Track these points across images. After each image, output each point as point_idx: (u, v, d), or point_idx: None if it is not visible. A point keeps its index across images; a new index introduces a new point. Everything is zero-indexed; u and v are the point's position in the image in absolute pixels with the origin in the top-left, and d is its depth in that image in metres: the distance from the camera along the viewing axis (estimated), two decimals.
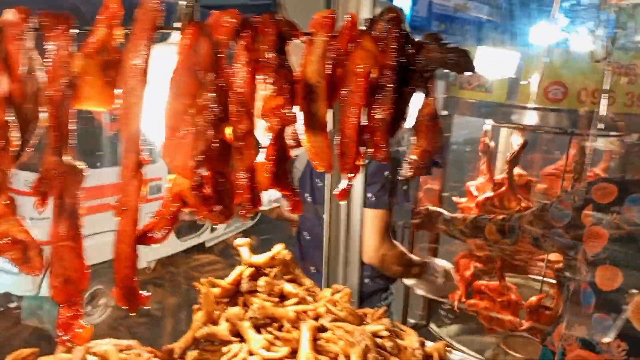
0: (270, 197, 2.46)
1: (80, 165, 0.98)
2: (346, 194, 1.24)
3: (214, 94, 1.01)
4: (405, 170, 1.30)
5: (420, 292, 2.40)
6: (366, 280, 2.23)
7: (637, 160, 2.39)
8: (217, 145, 1.03)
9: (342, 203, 2.02)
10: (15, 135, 0.91)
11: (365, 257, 2.10)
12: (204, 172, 1.02)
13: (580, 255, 1.86)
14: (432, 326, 3.00)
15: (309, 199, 2.25)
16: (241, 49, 1.05)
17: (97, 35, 0.95)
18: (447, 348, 1.61)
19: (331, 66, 1.15)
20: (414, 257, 2.25)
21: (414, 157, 1.30)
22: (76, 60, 0.94)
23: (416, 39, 1.22)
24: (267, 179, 1.09)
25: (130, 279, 1.00)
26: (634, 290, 1.74)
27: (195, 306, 1.51)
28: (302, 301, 1.61)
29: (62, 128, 0.95)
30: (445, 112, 2.98)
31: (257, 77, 1.07)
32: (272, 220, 2.58)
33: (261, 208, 2.53)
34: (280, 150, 1.10)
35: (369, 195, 2.04)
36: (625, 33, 2.22)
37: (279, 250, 1.69)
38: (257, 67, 1.07)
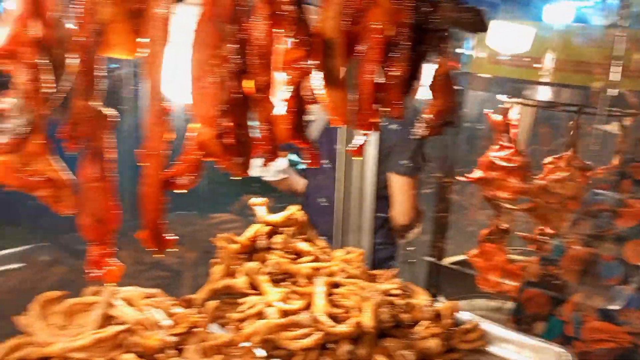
0: (279, 167, 2.51)
1: (108, 110, 1.03)
2: (360, 150, 1.28)
3: (235, 45, 1.05)
4: (421, 129, 1.33)
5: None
6: (377, 247, 2.29)
7: None
8: (238, 96, 1.07)
9: (356, 168, 2.06)
10: (48, 77, 0.95)
11: (400, 221, 2.30)
12: (226, 122, 1.06)
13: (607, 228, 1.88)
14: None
15: (328, 165, 2.30)
16: (261, 2, 1.09)
17: None
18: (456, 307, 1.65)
19: (348, 22, 1.18)
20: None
21: (429, 115, 1.33)
22: (104, 7, 0.98)
23: None
24: (287, 130, 1.13)
25: (157, 222, 1.05)
26: None
27: (214, 260, 1.57)
28: (316, 259, 1.66)
29: (90, 74, 1.00)
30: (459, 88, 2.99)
31: (275, 30, 1.11)
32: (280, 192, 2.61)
33: (270, 179, 2.59)
34: (299, 103, 1.14)
35: (402, 162, 2.15)
36: None
37: (294, 210, 1.74)
38: (276, 20, 1.10)
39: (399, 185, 2.25)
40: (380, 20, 1.18)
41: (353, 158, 2.04)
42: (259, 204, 1.72)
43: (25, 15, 0.92)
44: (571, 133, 2.67)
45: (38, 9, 0.93)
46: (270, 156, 1.16)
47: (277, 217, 1.70)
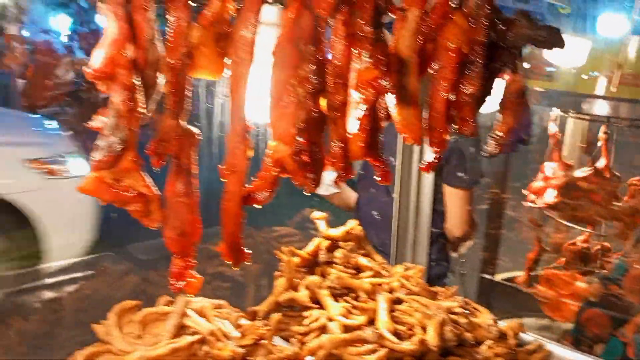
0: (330, 183, 2.52)
1: (193, 128, 1.07)
2: (433, 167, 1.28)
3: (314, 66, 1.07)
4: (491, 147, 1.32)
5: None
6: (431, 263, 2.26)
7: None
8: (316, 114, 1.09)
9: (413, 182, 2.05)
10: (141, 97, 1.00)
11: (457, 233, 2.29)
12: (303, 140, 1.08)
13: None
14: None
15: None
16: (339, 23, 1.11)
17: (212, 8, 1.03)
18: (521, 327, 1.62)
19: (422, 41, 1.19)
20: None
21: (500, 133, 1.31)
22: (194, 31, 1.02)
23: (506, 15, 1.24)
24: (360, 148, 1.14)
25: (236, 236, 1.08)
26: None
27: (277, 273, 1.59)
28: (376, 274, 1.66)
29: (179, 94, 1.04)
30: None
31: (353, 50, 1.13)
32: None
33: (322, 192, 2.61)
34: (373, 121, 1.15)
35: (459, 174, 2.14)
36: None
37: (354, 225, 1.75)
38: (353, 40, 1.12)
39: (454, 198, 2.23)
40: (455, 39, 1.18)
41: (425, 174, 2.04)
42: (320, 218, 1.74)
43: (121, 39, 0.97)
44: None
45: (133, 33, 0.98)
46: (344, 174, 1.17)
47: (338, 232, 1.71)
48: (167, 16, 1.01)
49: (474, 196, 2.31)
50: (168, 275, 1.07)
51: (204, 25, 1.03)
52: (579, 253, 2.66)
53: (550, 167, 2.67)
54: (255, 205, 1.11)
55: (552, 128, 2.91)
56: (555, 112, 3.15)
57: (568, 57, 3.05)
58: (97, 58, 0.97)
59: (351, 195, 2.58)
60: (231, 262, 1.10)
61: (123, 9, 0.96)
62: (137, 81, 0.99)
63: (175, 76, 1.02)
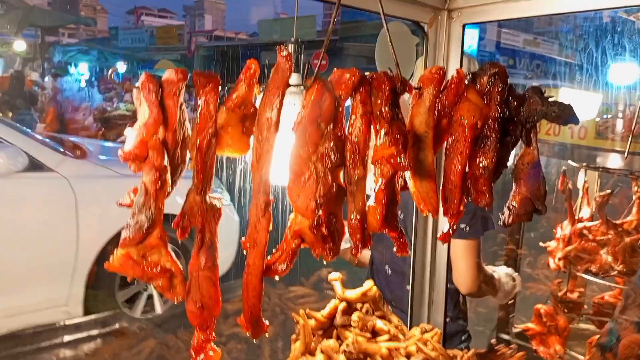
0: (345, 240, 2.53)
1: (218, 202, 1.11)
2: (449, 237, 1.30)
3: (333, 143, 1.12)
4: (505, 217, 1.34)
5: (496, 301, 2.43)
6: (447, 321, 2.24)
7: None
8: (335, 188, 1.13)
9: (428, 241, 2.07)
10: (168, 177, 1.05)
11: (462, 289, 2.18)
12: (322, 213, 1.12)
13: None
14: None
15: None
16: (358, 103, 1.16)
17: (238, 91, 1.09)
18: None
19: (438, 117, 1.24)
20: (488, 270, 2.27)
21: (514, 203, 1.34)
22: (221, 113, 1.08)
23: (519, 92, 1.29)
24: (378, 221, 1.17)
25: (256, 308, 1.10)
26: None
27: (293, 336, 1.60)
28: (393, 338, 1.65)
29: (206, 171, 1.09)
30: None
31: (370, 127, 1.17)
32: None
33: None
34: (390, 195, 1.18)
35: (462, 225, 2.09)
36: None
37: (370, 286, 1.76)
38: (371, 118, 1.17)
39: (457, 249, 2.14)
40: (469, 115, 1.23)
41: (443, 244, 2.03)
42: (336, 280, 1.75)
43: (153, 123, 1.02)
44: None
45: (164, 117, 1.04)
46: (361, 245, 1.20)
47: (354, 294, 1.72)
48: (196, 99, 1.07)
49: (480, 248, 2.20)
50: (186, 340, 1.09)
51: (230, 107, 1.09)
52: (607, 307, 2.62)
53: (565, 225, 2.67)
54: (275, 277, 1.14)
55: (566, 181, 2.92)
56: (568, 164, 3.17)
57: (579, 112, 3.07)
58: (130, 140, 1.02)
59: (364, 253, 2.59)
60: (250, 334, 1.12)
61: (156, 95, 1.02)
62: (165, 162, 1.04)
63: (202, 155, 1.07)
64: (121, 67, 19.08)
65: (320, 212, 1.11)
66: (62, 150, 3.27)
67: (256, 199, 1.11)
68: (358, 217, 1.17)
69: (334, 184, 1.13)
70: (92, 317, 2.10)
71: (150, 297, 3.29)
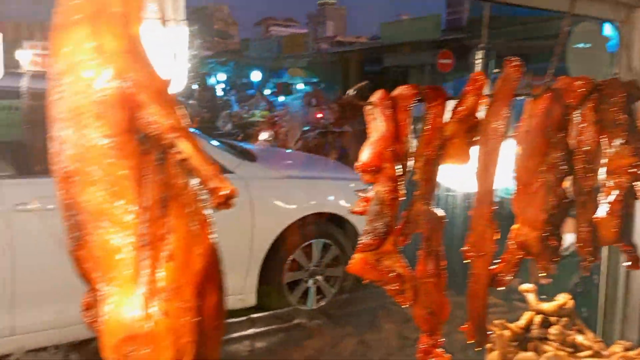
0: None
1: (441, 211, 1.14)
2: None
3: (563, 153, 1.09)
4: None
5: None
6: None
7: None
8: (564, 200, 1.10)
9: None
10: (401, 186, 1.10)
11: None
12: (550, 225, 1.10)
13: None
14: None
15: None
16: (589, 110, 1.12)
17: (466, 103, 1.11)
18: None
19: None
20: None
21: None
22: (450, 125, 1.11)
23: None
24: (613, 233, 1.12)
25: (482, 318, 1.12)
26: None
27: (489, 346, 1.58)
28: (595, 355, 1.56)
29: (431, 181, 1.13)
30: None
31: (601, 136, 1.12)
32: None
33: None
34: (626, 206, 1.12)
35: None
36: None
37: (566, 299, 1.68)
38: (602, 126, 1.12)
39: None
40: None
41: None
42: (529, 291, 1.69)
43: (388, 136, 1.08)
44: None
45: (396, 131, 1.09)
46: (591, 258, 1.15)
47: (550, 306, 1.65)
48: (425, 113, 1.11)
49: None
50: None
51: (457, 119, 1.11)
52: None
53: None
54: (500, 287, 1.14)
55: None
56: None
57: None
58: (367, 153, 1.09)
59: None
60: (475, 343, 1.14)
61: (391, 110, 1.08)
62: (398, 171, 1.10)
63: (429, 166, 1.11)
64: (255, 76, 20.35)
65: (550, 224, 1.09)
66: (236, 154, 3.61)
67: (481, 208, 1.13)
68: (588, 228, 1.13)
69: (563, 196, 1.10)
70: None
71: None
